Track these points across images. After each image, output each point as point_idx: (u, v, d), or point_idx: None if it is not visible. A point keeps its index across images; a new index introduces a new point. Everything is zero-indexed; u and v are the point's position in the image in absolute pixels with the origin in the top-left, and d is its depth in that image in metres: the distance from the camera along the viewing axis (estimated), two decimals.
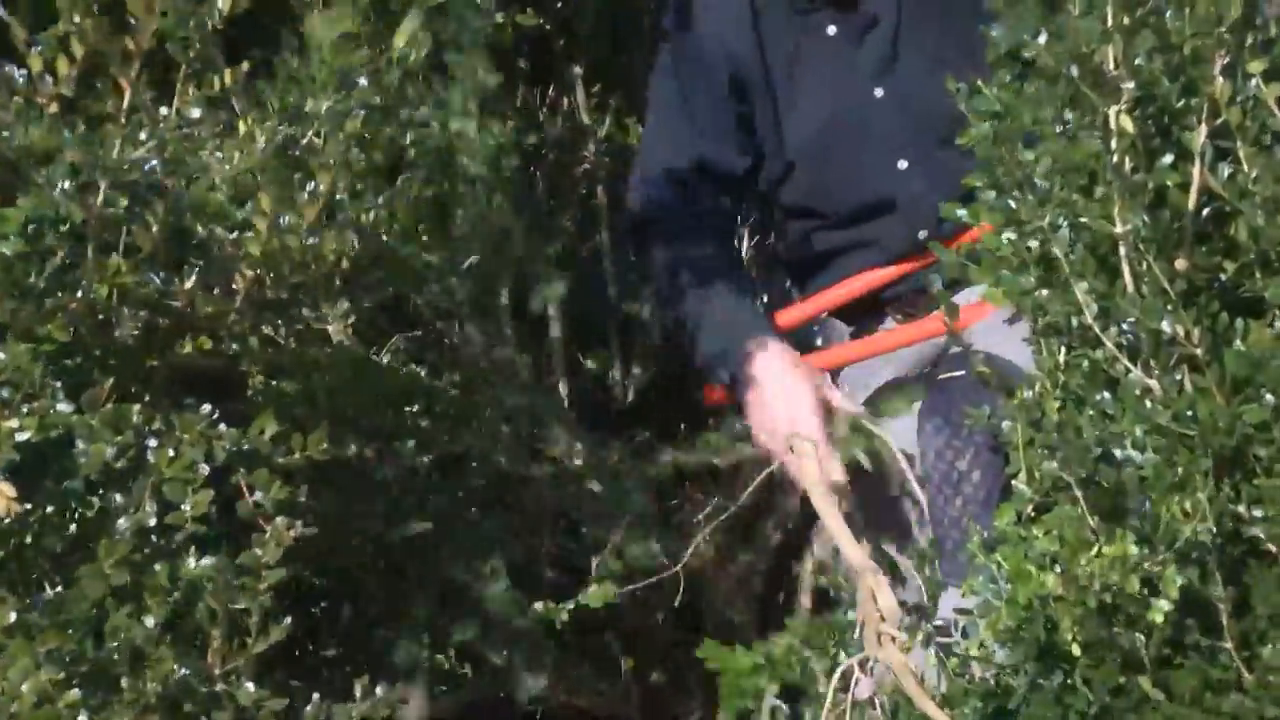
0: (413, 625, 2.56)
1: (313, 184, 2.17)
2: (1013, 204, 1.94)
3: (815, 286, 2.80)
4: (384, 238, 2.35)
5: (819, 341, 2.84)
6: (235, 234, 2.17)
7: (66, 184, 2.01)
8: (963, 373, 2.38)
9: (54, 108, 2.04)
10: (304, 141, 2.21)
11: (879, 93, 2.66)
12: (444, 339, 2.99)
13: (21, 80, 2.03)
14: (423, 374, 2.64)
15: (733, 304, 2.58)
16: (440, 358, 2.93)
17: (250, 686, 2.01)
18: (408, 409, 2.58)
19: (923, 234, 2.63)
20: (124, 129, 2.02)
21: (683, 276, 2.62)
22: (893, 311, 2.74)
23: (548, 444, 2.90)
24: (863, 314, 2.79)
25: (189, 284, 2.14)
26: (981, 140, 1.94)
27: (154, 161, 2.06)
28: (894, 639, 2.00)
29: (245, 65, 2.15)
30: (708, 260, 2.64)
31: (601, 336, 3.38)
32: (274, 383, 2.31)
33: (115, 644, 1.95)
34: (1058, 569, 1.85)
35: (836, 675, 2.07)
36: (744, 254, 3.36)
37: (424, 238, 2.54)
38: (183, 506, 2.03)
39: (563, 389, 3.19)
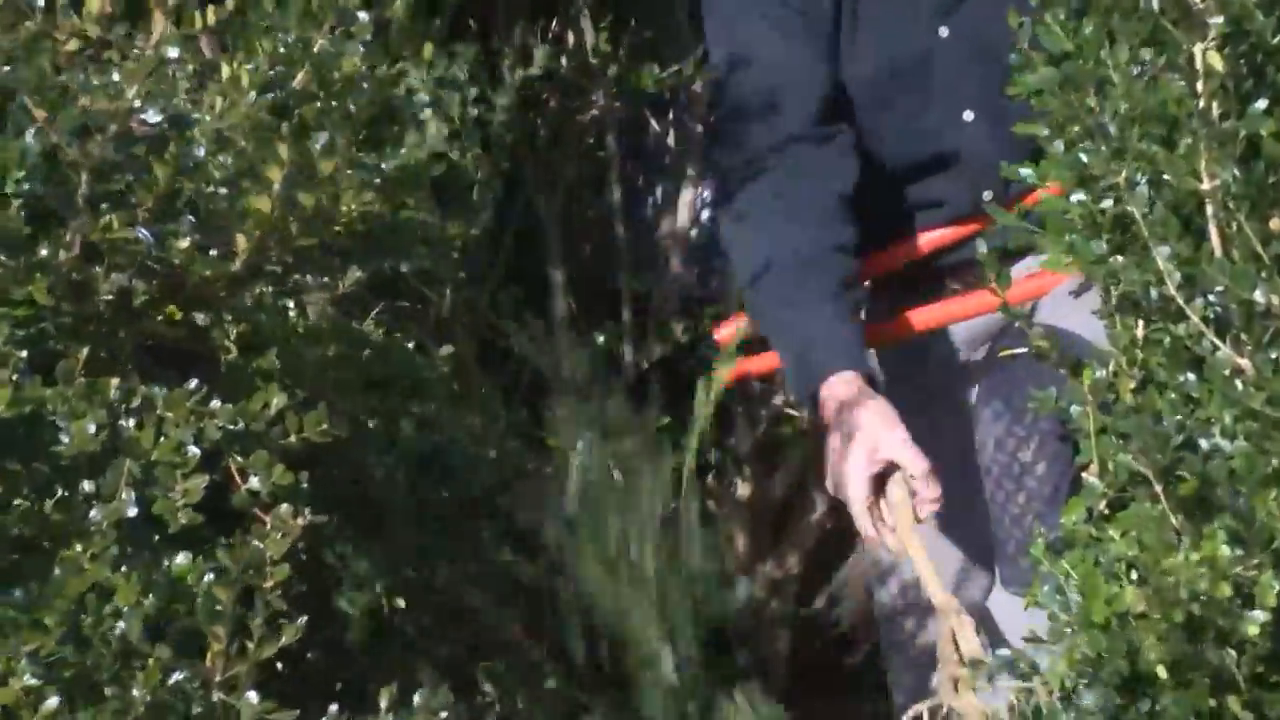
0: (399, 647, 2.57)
1: (326, 135, 2.17)
2: (1083, 158, 1.93)
3: (864, 250, 2.79)
4: (385, 200, 2.35)
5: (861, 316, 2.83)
6: (228, 190, 2.18)
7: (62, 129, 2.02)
8: (1026, 350, 2.37)
9: (73, 45, 2.05)
10: (293, 84, 2.21)
11: (944, 32, 2.65)
12: (430, 311, 2.99)
13: (40, 8, 2.04)
14: (412, 349, 2.64)
15: (819, 308, 2.49)
16: (428, 331, 2.93)
17: (253, 696, 2.00)
18: (400, 390, 2.58)
19: (988, 195, 2.62)
20: (147, 73, 2.02)
21: (754, 268, 2.54)
22: (952, 280, 2.73)
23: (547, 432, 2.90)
24: (918, 282, 2.78)
25: (185, 244, 2.14)
26: (1046, 85, 1.94)
27: (158, 111, 2.08)
28: (974, 688, 2.01)
29: (229, 2, 2.15)
30: (787, 241, 2.55)
31: (612, 309, 3.38)
32: (249, 358, 2.32)
33: (99, 643, 1.94)
34: (1134, 575, 1.84)
35: None
36: None
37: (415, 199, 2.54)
38: (171, 494, 2.03)
39: (566, 369, 3.18)
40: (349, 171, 2.19)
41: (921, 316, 2.69)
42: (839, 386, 2.40)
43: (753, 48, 2.62)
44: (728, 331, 2.72)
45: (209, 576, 2.00)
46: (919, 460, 2.33)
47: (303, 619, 2.03)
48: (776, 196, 2.55)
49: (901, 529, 2.31)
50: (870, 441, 2.34)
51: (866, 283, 2.72)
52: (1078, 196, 1.96)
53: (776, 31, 2.61)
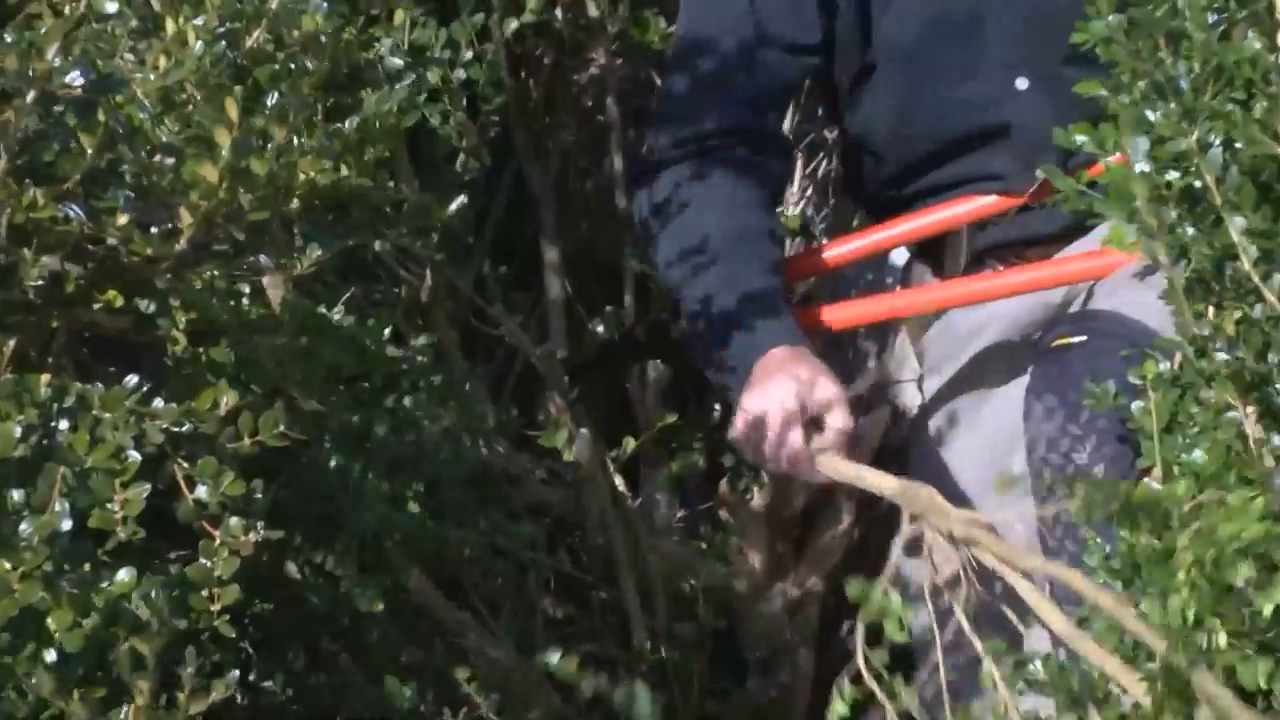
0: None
1: (276, 94, 2.15)
2: (1150, 117, 1.90)
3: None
4: (349, 168, 2.33)
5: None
6: (172, 159, 2.15)
7: None
8: (1083, 338, 2.35)
9: None
10: (248, 45, 2.18)
11: None
12: (408, 294, 2.96)
13: None
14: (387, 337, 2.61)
15: (744, 291, 2.61)
16: (405, 318, 2.90)
17: None
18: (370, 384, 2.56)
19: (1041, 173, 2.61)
20: (67, 30, 1.99)
21: (691, 243, 2.66)
22: (994, 261, 2.71)
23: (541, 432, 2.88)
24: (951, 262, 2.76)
25: (122, 220, 2.11)
26: (1113, 33, 1.91)
27: (82, 73, 2.04)
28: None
29: None
30: (727, 219, 2.67)
31: (612, 293, 3.35)
32: (202, 350, 2.31)
33: (15, 695, 1.94)
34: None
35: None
36: (797, 184, 3.32)
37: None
38: (110, 505, 2.01)
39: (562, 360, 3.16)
40: (307, 137, 2.16)
41: (913, 299, 2.69)
42: (779, 354, 2.53)
43: (724, 26, 2.71)
44: None
45: (150, 597, 1.98)
46: (846, 416, 2.47)
47: (234, 674, 2.03)
48: (718, 180, 2.68)
49: (826, 458, 2.45)
50: (806, 383, 2.49)
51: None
52: (1142, 163, 1.94)
53: (752, 16, 2.69)
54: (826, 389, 2.47)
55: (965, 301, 2.69)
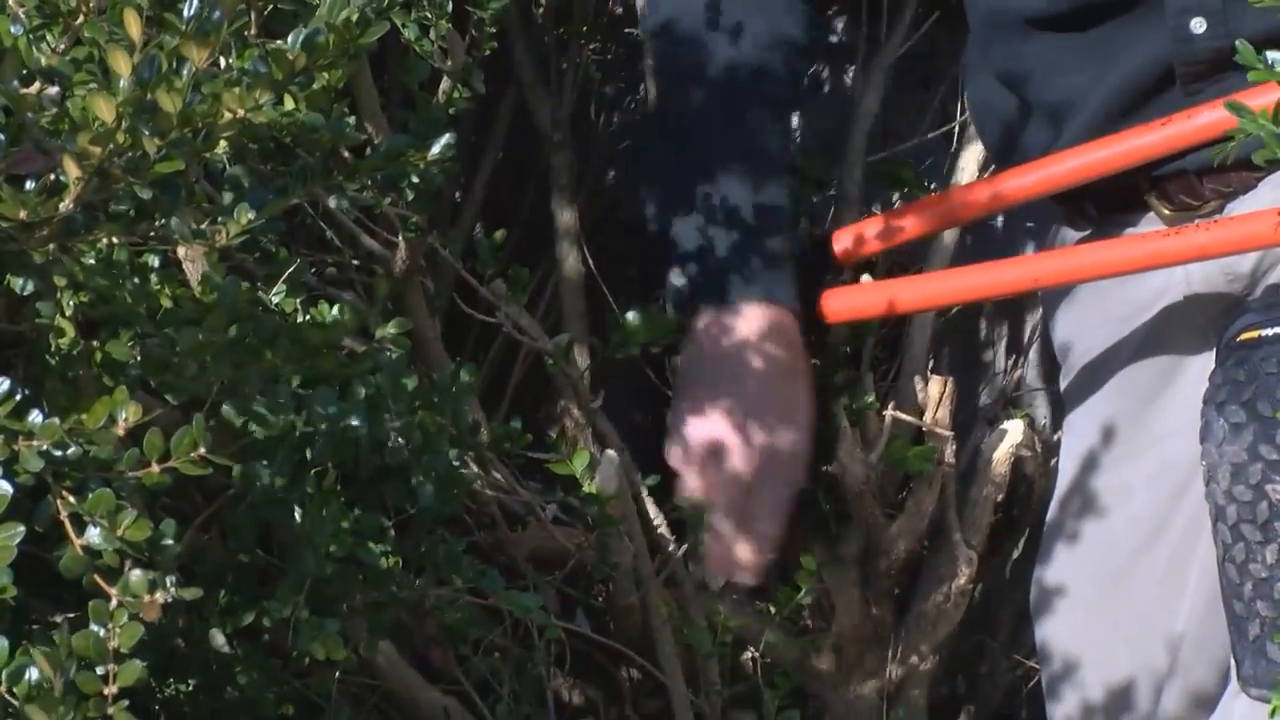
0: None
1: (194, 3, 2.14)
2: None
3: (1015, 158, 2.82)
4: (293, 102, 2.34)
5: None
6: (56, 89, 2.16)
7: None
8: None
9: None
10: None
11: None
12: (376, 268, 2.98)
13: None
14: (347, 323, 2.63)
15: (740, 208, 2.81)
16: (371, 298, 2.92)
17: None
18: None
19: (1199, 24, 2.61)
20: None
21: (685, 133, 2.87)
22: (1160, 199, 2.71)
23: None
24: (1106, 201, 2.75)
25: None
26: None
27: None
28: None
29: None
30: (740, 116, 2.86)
31: (647, 265, 3.36)
32: (97, 345, 2.33)
33: None
34: None
35: None
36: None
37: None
38: None
39: (580, 360, 3.17)
40: (236, 58, 2.17)
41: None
42: (754, 319, 2.81)
43: None
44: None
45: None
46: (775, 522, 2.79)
47: None
48: None
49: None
50: (779, 445, 2.75)
51: None
52: None
53: None
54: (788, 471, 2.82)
55: (1075, 279, 2.71)
